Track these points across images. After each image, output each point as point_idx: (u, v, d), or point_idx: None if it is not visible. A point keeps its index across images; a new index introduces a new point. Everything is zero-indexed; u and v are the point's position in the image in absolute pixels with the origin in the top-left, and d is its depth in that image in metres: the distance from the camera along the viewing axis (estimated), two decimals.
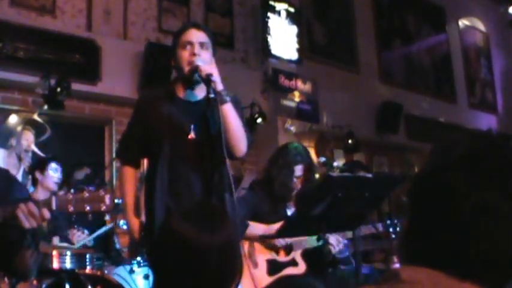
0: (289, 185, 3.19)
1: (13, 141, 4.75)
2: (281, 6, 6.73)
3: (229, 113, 2.32)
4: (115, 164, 5.08)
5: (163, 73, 4.82)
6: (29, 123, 4.86)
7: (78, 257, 3.31)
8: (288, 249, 3.16)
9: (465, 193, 0.79)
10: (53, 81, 4.66)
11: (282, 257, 3.14)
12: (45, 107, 4.77)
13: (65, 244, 3.58)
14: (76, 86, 4.86)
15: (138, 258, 3.40)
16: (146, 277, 3.32)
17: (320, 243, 3.03)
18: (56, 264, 3.20)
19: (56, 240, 3.57)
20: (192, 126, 2.39)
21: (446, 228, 0.80)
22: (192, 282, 1.35)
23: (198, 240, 1.34)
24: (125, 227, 3.63)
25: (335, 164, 4.02)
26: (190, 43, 2.38)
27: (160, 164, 2.36)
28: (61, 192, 1.83)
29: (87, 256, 3.37)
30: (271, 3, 6.64)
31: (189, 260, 1.34)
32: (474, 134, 0.92)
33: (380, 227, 3.36)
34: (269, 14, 6.59)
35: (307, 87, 6.75)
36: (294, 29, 6.82)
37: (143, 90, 4.84)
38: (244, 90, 5.27)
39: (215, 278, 1.36)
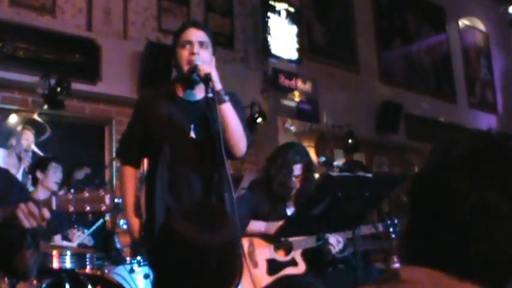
0: (288, 185, 3.19)
1: (13, 141, 4.75)
2: (281, 6, 6.73)
3: (228, 113, 2.32)
4: (115, 164, 5.08)
5: (163, 73, 4.82)
6: (29, 123, 4.86)
7: (78, 257, 3.31)
8: (288, 248, 3.16)
9: (465, 193, 0.79)
10: (53, 81, 4.66)
11: (281, 257, 3.14)
12: (45, 106, 4.77)
13: (64, 242, 3.58)
14: (76, 86, 4.86)
15: (139, 258, 3.40)
16: (146, 276, 3.31)
17: (320, 242, 3.03)
18: (55, 264, 3.19)
19: (57, 238, 3.57)
20: (191, 126, 2.38)
21: (446, 228, 0.80)
22: (192, 282, 1.35)
23: (198, 240, 1.34)
24: (125, 226, 3.63)
25: (335, 163, 4.02)
26: (190, 42, 2.38)
27: (160, 164, 2.36)
28: (61, 192, 1.83)
29: (87, 256, 3.36)
30: (271, 3, 6.64)
31: (189, 260, 1.34)
32: (474, 134, 0.92)
33: (380, 226, 3.36)
34: (269, 14, 6.59)
35: (307, 87, 6.75)
36: (294, 29, 6.82)
37: (143, 89, 4.84)
38: (244, 90, 5.27)
39: (215, 278, 1.36)
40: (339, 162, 5.75)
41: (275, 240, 3.11)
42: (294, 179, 3.19)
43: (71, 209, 1.81)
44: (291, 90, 6.56)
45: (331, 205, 2.36)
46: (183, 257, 1.35)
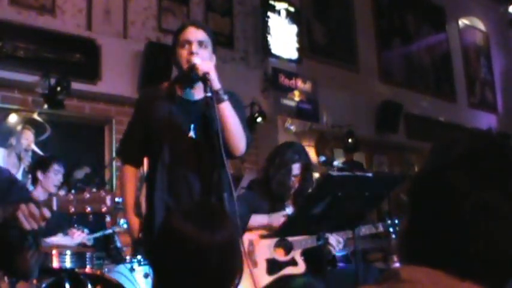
0: (287, 184, 3.19)
1: (13, 141, 4.75)
2: (281, 6, 6.73)
3: (227, 112, 2.31)
4: (115, 164, 5.08)
5: (163, 72, 4.82)
6: (28, 122, 4.86)
7: (78, 256, 3.31)
8: (288, 248, 3.16)
9: (465, 192, 0.79)
10: (52, 81, 4.66)
11: (281, 257, 3.14)
12: (45, 106, 4.77)
13: (67, 237, 3.58)
14: (76, 85, 4.86)
15: (138, 257, 3.41)
16: (146, 276, 3.32)
17: (320, 242, 3.03)
18: (55, 264, 3.20)
19: (60, 236, 3.57)
20: (191, 126, 2.38)
21: (446, 227, 0.80)
22: (192, 281, 1.35)
23: (199, 239, 1.34)
24: (125, 226, 3.63)
25: (335, 163, 4.02)
26: (189, 42, 2.38)
27: (160, 164, 2.36)
28: (62, 193, 1.83)
29: (87, 255, 3.37)
30: (271, 2, 6.64)
31: (189, 259, 1.34)
32: (474, 133, 0.92)
33: (380, 226, 3.36)
34: (269, 14, 6.59)
35: (307, 86, 6.75)
36: (294, 29, 6.82)
37: (143, 89, 4.84)
38: (244, 89, 5.27)
39: (215, 277, 1.36)
40: (338, 161, 5.76)
41: (276, 235, 3.10)
42: (292, 178, 3.19)
43: (72, 209, 1.81)
44: (291, 89, 6.56)
45: (331, 205, 2.36)
46: (183, 256, 1.35)
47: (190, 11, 6.06)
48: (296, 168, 3.20)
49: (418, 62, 8.98)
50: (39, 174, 3.87)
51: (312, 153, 6.38)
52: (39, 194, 3.70)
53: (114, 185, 5.09)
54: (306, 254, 3.16)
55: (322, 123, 6.80)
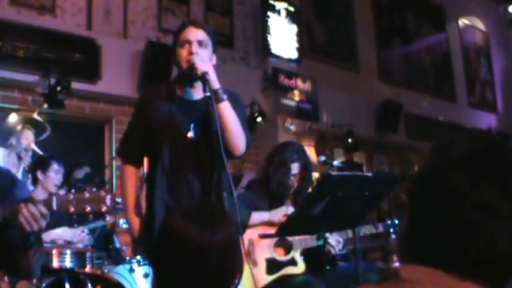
0: (286, 183, 3.19)
1: (13, 140, 4.75)
2: (281, 5, 6.73)
3: (227, 112, 2.31)
4: (115, 163, 5.08)
5: (163, 72, 4.82)
6: (28, 122, 4.86)
7: (78, 256, 3.31)
8: (288, 247, 3.16)
9: (465, 192, 0.79)
10: (52, 80, 4.66)
11: (281, 256, 3.14)
12: (45, 106, 4.77)
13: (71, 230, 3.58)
14: (76, 85, 4.86)
15: (138, 257, 3.41)
16: (146, 276, 3.32)
17: (320, 242, 3.03)
18: (55, 263, 3.20)
19: (63, 229, 3.57)
20: (191, 126, 2.38)
21: (446, 227, 0.80)
22: (192, 281, 1.35)
23: (199, 239, 1.34)
24: (125, 225, 3.63)
25: (335, 162, 4.02)
26: (189, 42, 2.38)
27: (160, 163, 2.36)
28: (62, 193, 1.83)
29: (87, 255, 3.37)
30: (271, 2, 6.64)
31: (189, 259, 1.34)
32: (474, 133, 0.92)
33: (380, 226, 3.36)
34: (269, 13, 6.59)
35: (307, 86, 6.75)
36: (293, 28, 6.82)
37: (143, 89, 4.84)
38: (244, 89, 5.26)
39: (216, 277, 1.36)
40: (338, 161, 5.76)
41: (276, 235, 3.10)
42: (291, 177, 3.19)
43: (72, 209, 1.81)
44: (290, 89, 6.56)
45: (331, 204, 2.36)
46: (183, 256, 1.35)
47: (190, 11, 6.06)
48: (295, 168, 3.20)
49: (418, 62, 8.98)
50: (39, 174, 3.87)
51: (311, 153, 6.39)
52: (39, 193, 3.71)
53: (114, 185, 5.09)
54: (306, 253, 3.16)
55: (322, 123, 6.80)
